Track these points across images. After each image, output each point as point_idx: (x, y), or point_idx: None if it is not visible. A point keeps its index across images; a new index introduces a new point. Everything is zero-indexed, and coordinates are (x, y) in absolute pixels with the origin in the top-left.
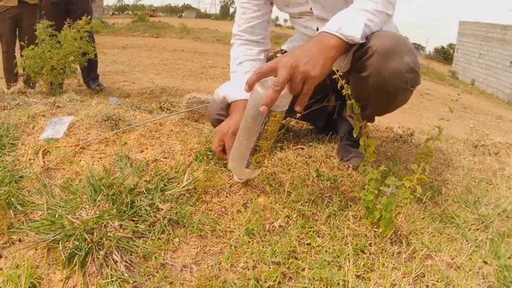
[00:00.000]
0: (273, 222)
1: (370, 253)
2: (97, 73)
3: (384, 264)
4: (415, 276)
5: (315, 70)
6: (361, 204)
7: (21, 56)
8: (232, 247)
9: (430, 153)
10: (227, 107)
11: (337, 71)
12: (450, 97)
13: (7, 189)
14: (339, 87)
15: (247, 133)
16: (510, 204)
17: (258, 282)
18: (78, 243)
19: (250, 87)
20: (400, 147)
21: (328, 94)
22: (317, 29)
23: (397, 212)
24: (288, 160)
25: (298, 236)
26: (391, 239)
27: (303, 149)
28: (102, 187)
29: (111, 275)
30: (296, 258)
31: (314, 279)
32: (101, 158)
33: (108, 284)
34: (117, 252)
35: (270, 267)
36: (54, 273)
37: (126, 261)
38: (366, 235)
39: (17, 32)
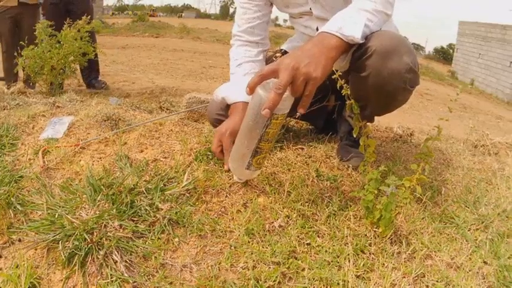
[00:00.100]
0: (272, 222)
1: (370, 253)
2: (99, 72)
3: (383, 264)
4: (415, 276)
5: (316, 71)
6: (361, 204)
7: (21, 56)
8: (232, 247)
9: (429, 153)
10: (227, 108)
11: (337, 71)
12: (450, 97)
13: (7, 189)
14: (338, 87)
15: (249, 135)
16: (510, 204)
17: (257, 282)
18: (78, 243)
19: (251, 90)
20: (400, 147)
21: (327, 94)
22: (317, 29)
23: (397, 212)
24: (288, 160)
25: (298, 236)
26: (391, 239)
27: (302, 149)
28: (102, 187)
29: (111, 275)
30: (296, 258)
31: (314, 279)
32: (100, 157)
33: (108, 284)
34: (117, 252)
35: (269, 267)
36: (54, 273)
37: (126, 261)
38: (365, 235)
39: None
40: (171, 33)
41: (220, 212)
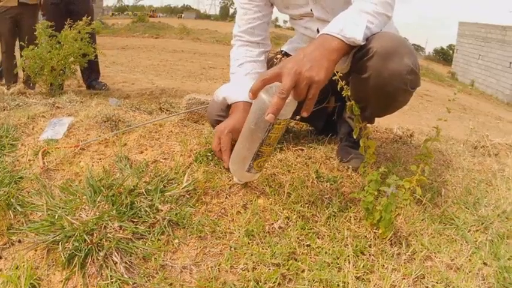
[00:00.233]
0: (272, 224)
1: (370, 254)
2: (99, 73)
3: (383, 265)
4: (415, 278)
5: (319, 75)
6: (361, 205)
7: (21, 56)
8: (232, 248)
9: (429, 154)
10: (227, 108)
11: (337, 72)
12: (449, 98)
13: (7, 190)
14: (338, 88)
15: (250, 138)
16: (510, 205)
17: (257, 283)
18: (77, 244)
19: (254, 94)
20: (400, 148)
21: (328, 95)
22: (317, 30)
23: (396, 213)
24: (288, 161)
25: (298, 238)
26: (391, 240)
27: (302, 150)
28: (102, 188)
29: (110, 276)
30: (296, 260)
31: (314, 280)
32: (100, 159)
33: (107, 285)
34: (117, 253)
35: (269, 269)
36: (54, 274)
37: (125, 263)
38: (365, 236)
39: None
40: (171, 34)
41: (220, 214)
